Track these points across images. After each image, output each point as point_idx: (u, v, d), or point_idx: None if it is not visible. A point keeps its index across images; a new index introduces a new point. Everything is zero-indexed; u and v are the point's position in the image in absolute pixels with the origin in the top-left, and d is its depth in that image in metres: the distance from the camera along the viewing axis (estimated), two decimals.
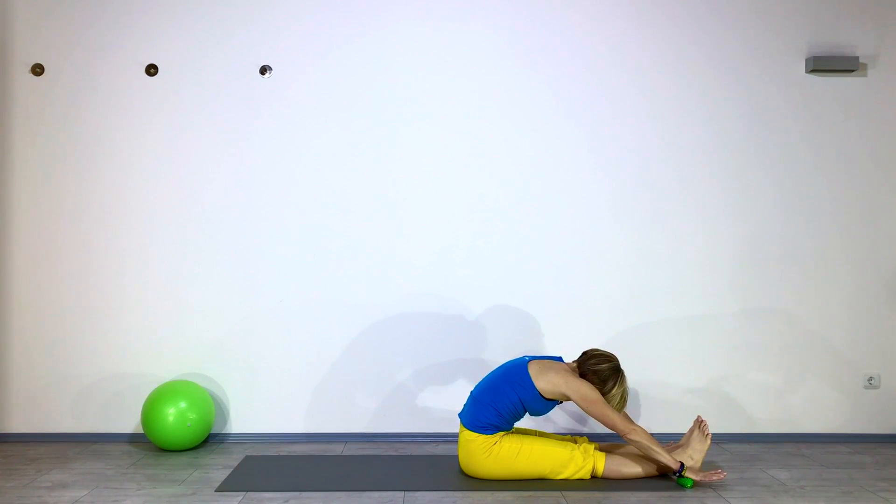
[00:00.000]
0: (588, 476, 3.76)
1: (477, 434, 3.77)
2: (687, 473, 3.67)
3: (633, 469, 3.78)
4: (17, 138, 4.53)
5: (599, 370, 3.80)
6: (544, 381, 3.76)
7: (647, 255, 4.57)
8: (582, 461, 3.76)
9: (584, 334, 4.54)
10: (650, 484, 3.72)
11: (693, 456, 3.84)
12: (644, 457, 3.82)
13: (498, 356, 4.50)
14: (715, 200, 4.58)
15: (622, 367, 3.86)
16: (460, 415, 3.89)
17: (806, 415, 4.60)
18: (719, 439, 4.52)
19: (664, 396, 4.57)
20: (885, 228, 4.61)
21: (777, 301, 4.58)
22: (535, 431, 4.00)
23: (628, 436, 3.69)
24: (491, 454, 3.74)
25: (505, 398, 3.77)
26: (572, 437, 4.02)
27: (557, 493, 3.59)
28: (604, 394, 3.77)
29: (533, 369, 3.80)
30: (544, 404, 3.81)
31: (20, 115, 4.52)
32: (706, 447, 3.86)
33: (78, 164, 4.52)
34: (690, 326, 4.58)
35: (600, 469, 3.76)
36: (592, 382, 3.78)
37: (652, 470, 3.81)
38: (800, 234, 4.59)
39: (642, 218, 4.57)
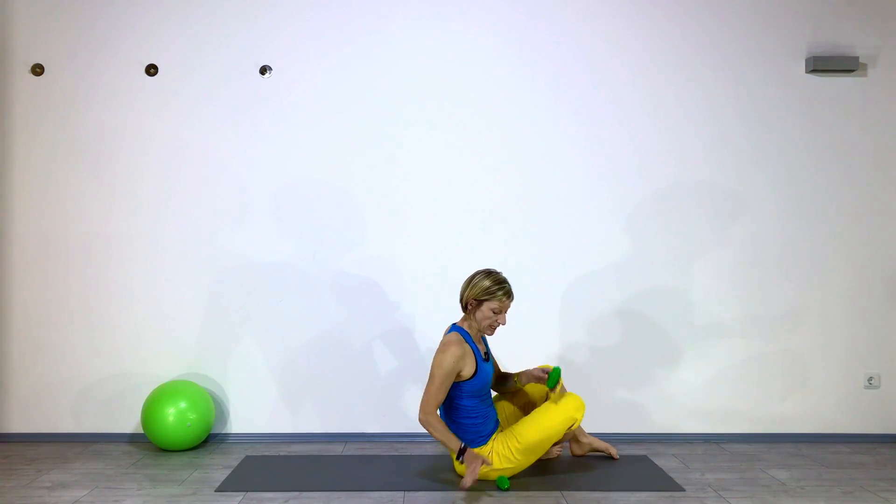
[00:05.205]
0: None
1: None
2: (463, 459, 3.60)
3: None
4: (17, 138, 4.53)
5: (479, 296, 3.72)
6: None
7: (646, 255, 4.57)
8: (577, 410, 3.72)
9: (583, 333, 4.56)
10: (650, 484, 3.72)
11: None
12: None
13: (498, 356, 4.50)
14: (715, 200, 4.58)
15: (485, 271, 3.80)
16: None
17: (806, 415, 4.60)
18: (719, 439, 4.53)
19: (665, 396, 4.57)
20: (885, 228, 4.61)
21: (777, 301, 4.59)
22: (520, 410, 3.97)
23: (420, 419, 3.62)
24: (501, 462, 3.68)
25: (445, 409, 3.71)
26: (541, 370, 3.90)
27: (557, 494, 3.59)
28: (490, 295, 3.71)
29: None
30: (461, 387, 3.69)
31: (20, 115, 4.52)
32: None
33: (78, 164, 4.53)
34: (690, 326, 4.58)
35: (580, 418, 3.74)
36: (482, 305, 3.73)
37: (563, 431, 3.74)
38: (800, 234, 4.59)
39: (642, 218, 4.57)
